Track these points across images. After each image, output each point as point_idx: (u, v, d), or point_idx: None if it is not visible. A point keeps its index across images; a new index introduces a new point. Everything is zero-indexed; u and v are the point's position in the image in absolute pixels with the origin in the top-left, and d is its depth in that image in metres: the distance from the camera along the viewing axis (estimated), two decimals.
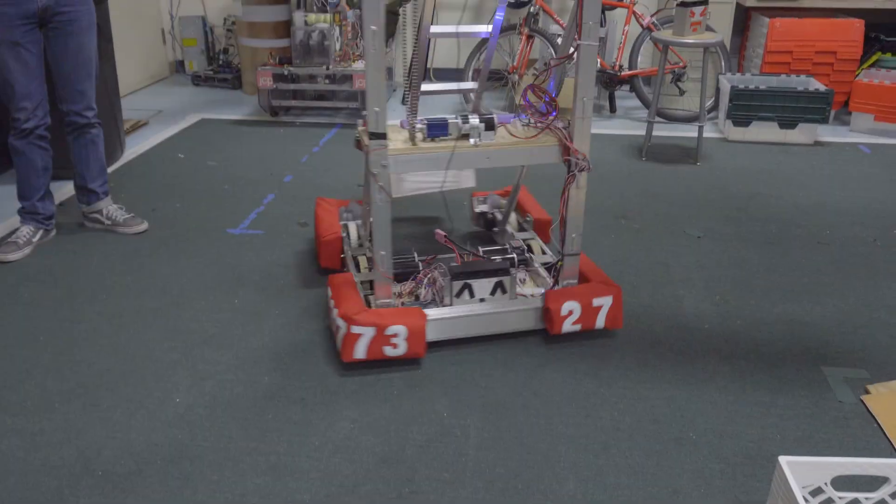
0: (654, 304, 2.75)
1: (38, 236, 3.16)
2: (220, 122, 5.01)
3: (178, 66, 6.32)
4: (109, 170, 3.95)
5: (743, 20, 5.35)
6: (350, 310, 2.24)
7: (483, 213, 3.23)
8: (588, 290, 2.44)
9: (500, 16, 2.51)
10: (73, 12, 2.98)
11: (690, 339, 2.51)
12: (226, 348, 2.43)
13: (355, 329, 2.20)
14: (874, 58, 5.08)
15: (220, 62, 6.09)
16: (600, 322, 2.44)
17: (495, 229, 3.18)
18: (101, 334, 2.51)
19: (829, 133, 4.80)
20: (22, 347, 2.43)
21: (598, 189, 3.88)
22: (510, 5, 5.09)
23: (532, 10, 4.85)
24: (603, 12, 5.25)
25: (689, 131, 4.70)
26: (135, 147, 4.47)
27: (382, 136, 2.18)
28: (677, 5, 4.11)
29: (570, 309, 2.38)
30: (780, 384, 2.26)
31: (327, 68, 4.77)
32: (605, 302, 2.42)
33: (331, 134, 4.75)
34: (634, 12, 4.96)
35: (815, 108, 4.53)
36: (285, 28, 5.36)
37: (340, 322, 2.25)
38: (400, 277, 2.56)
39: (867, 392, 2.22)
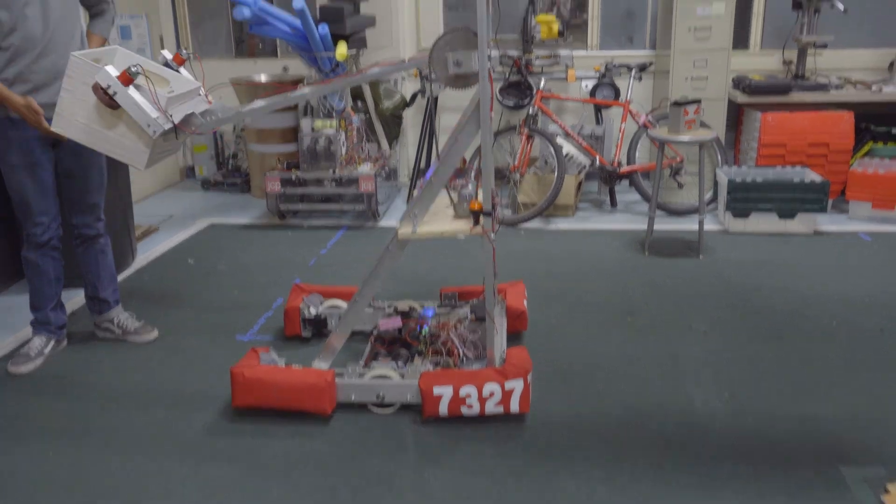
0: (665, 401, 2.74)
1: (49, 347, 3.19)
2: (230, 226, 5.12)
3: (189, 172, 6.49)
4: (121, 277, 4.02)
5: (736, 115, 5.51)
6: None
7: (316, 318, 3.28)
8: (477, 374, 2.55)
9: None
10: None
11: (703, 439, 2.49)
12: (235, 461, 2.41)
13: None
14: (866, 147, 5.21)
15: (230, 167, 6.26)
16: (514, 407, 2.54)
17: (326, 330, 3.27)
18: (111, 449, 2.50)
19: (828, 222, 4.87)
20: (30, 464, 2.42)
21: (602, 285, 3.91)
22: (510, 108, 5.27)
23: (531, 111, 5.02)
24: (599, 111, 5.44)
25: (690, 224, 4.78)
26: (146, 253, 4.55)
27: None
28: (671, 105, 4.25)
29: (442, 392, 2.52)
30: (798, 487, 2.22)
31: (334, 172, 4.91)
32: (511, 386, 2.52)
33: (338, 236, 4.84)
34: (630, 111, 5.12)
35: (812, 198, 4.61)
36: (293, 133, 5.54)
37: None
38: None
39: (887, 492, 2.19)
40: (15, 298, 3.85)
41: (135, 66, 2.34)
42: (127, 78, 2.32)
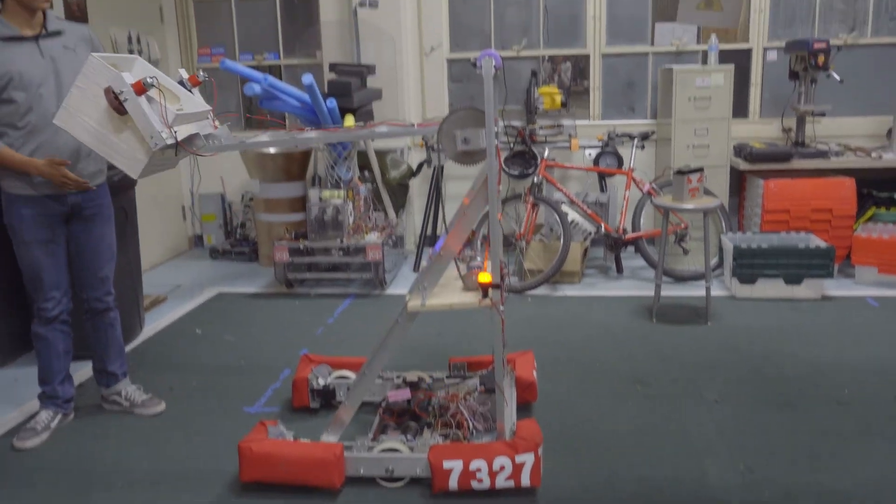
0: (678, 474, 2.69)
1: (56, 421, 3.17)
2: (237, 295, 5.14)
3: (197, 241, 6.55)
4: (128, 348, 4.01)
5: (738, 181, 5.58)
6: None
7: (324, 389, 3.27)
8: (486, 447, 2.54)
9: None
10: (98, 205, 3.16)
11: None
12: None
13: None
14: (869, 213, 5.25)
15: (238, 236, 6.32)
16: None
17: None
18: None
19: (835, 287, 4.87)
20: None
21: (611, 353, 3.90)
22: (515, 177, 5.35)
23: (536, 179, 5.09)
24: (603, 179, 5.51)
25: (697, 289, 4.78)
26: (154, 323, 4.56)
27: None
28: (674, 173, 4.32)
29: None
30: None
31: (341, 241, 4.95)
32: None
33: (345, 305, 4.85)
34: (633, 178, 5.19)
35: (818, 263, 4.63)
36: (300, 203, 5.62)
37: None
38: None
39: None
40: (21, 370, 3.85)
41: (151, 77, 2.37)
42: (140, 88, 2.34)
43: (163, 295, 5.11)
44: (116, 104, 2.36)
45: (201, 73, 2.77)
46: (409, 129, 2.70)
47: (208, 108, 2.75)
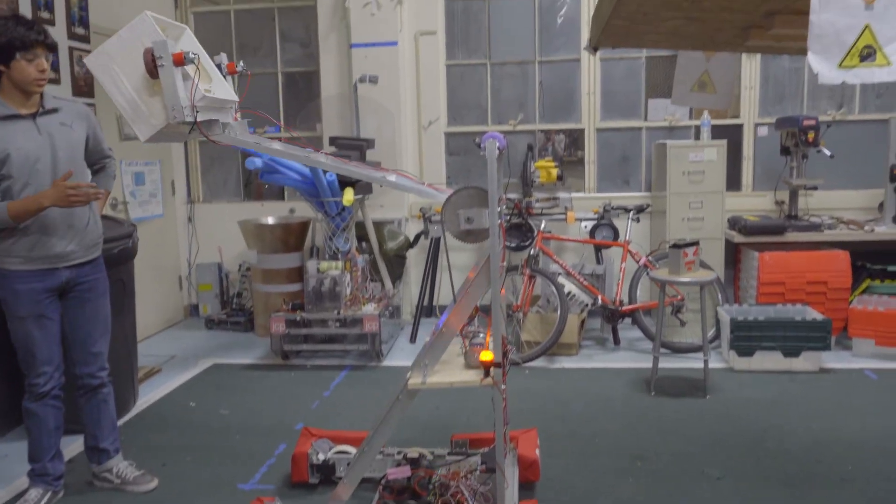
0: None
1: (46, 499, 3.10)
2: (232, 366, 5.10)
3: (193, 310, 6.53)
4: (121, 421, 3.95)
5: (733, 254, 5.62)
6: None
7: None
8: None
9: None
10: (93, 280, 3.16)
11: None
12: None
13: None
14: (864, 285, 5.28)
15: (234, 306, 6.31)
16: None
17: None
18: None
19: (833, 359, 4.85)
20: None
21: (610, 428, 3.85)
22: (512, 249, 5.38)
23: (532, 251, 5.13)
24: (600, 251, 5.55)
25: (695, 361, 4.76)
26: (147, 396, 4.50)
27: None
28: (670, 247, 4.36)
29: None
30: None
31: (338, 313, 4.94)
32: None
33: (341, 377, 4.81)
34: (629, 251, 5.24)
35: (815, 336, 4.63)
36: (298, 273, 5.63)
37: None
38: None
39: None
40: (11, 446, 3.77)
41: (193, 54, 2.35)
42: (180, 59, 2.32)
43: (157, 366, 5.06)
44: (151, 67, 2.35)
45: (241, 64, 2.74)
46: (419, 184, 2.71)
47: (235, 99, 2.71)
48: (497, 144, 2.43)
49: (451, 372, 2.62)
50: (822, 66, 1.76)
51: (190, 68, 2.38)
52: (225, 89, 2.66)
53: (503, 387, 2.51)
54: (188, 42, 2.61)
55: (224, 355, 5.36)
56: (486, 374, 2.52)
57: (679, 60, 3.37)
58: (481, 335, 2.66)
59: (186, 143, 6.41)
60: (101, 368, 3.23)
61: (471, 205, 2.47)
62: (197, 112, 2.41)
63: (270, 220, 5.98)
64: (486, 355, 2.50)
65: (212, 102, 2.50)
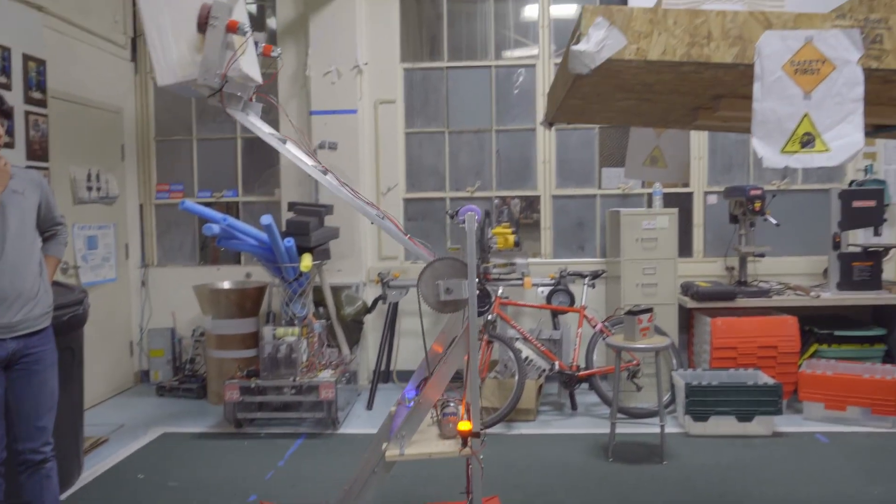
0: None
1: None
2: (183, 435, 4.96)
3: (143, 377, 6.37)
4: (65, 495, 3.80)
5: (687, 319, 5.73)
6: None
7: None
8: None
9: None
10: (41, 351, 3.06)
11: None
12: None
13: None
14: (812, 349, 5.42)
15: (187, 372, 6.17)
16: None
17: None
18: None
19: (785, 423, 4.93)
20: None
21: (569, 496, 3.83)
22: None
23: (490, 317, 5.16)
24: (556, 316, 5.60)
25: (651, 427, 4.79)
26: (93, 468, 4.34)
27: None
28: (625, 314, 4.43)
29: None
30: None
31: (294, 380, 4.87)
32: None
33: (296, 445, 4.71)
34: (585, 316, 5.30)
35: (767, 400, 4.71)
36: (253, 339, 5.55)
37: None
38: None
39: None
40: None
41: (248, 28, 2.41)
42: (234, 27, 2.35)
43: (104, 436, 4.89)
44: (203, 22, 2.36)
45: (278, 50, 2.77)
46: (403, 236, 2.74)
47: (259, 81, 2.74)
48: (476, 217, 2.49)
49: (428, 443, 2.61)
50: (766, 150, 1.86)
51: (238, 39, 2.42)
52: (254, 68, 2.70)
53: (481, 457, 2.51)
54: (241, 12, 2.65)
55: (175, 424, 5.21)
56: (465, 443, 2.52)
57: (631, 136, 3.50)
58: (452, 404, 2.67)
59: (142, 206, 6.36)
60: (46, 443, 3.11)
61: (449, 275, 2.50)
62: (226, 82, 2.44)
63: (226, 285, 5.92)
64: (465, 425, 2.51)
65: (241, 77, 2.54)
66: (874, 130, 2.76)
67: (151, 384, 6.20)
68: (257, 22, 6.45)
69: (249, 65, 2.68)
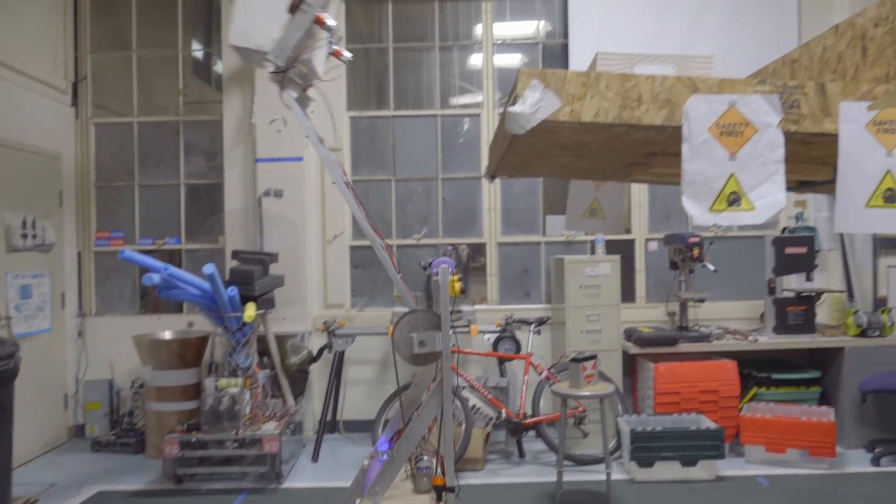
0: None
1: None
2: (120, 493, 4.77)
3: (78, 431, 6.13)
4: None
5: (631, 364, 5.81)
6: None
7: None
8: None
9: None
10: None
11: None
12: None
13: None
14: (752, 393, 5.53)
15: (124, 426, 5.96)
16: None
17: None
18: None
19: (727, 467, 5.00)
20: None
21: None
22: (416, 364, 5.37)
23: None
24: (503, 363, 5.62)
25: (598, 474, 4.81)
26: None
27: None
28: (570, 361, 4.46)
29: None
30: None
31: (237, 433, 4.76)
32: None
33: (238, 501, 4.58)
34: (532, 363, 5.33)
35: (710, 444, 4.78)
36: (195, 390, 5.41)
37: None
38: None
39: None
40: None
41: (335, 25, 2.58)
42: (321, 21, 2.51)
43: (34, 496, 4.67)
44: (295, 4, 2.51)
45: (346, 54, 2.88)
46: (394, 272, 2.75)
47: (320, 77, 2.83)
48: (449, 270, 2.50)
49: (403, 498, 2.58)
50: (695, 209, 1.93)
51: (319, 33, 2.56)
52: (320, 63, 2.80)
53: None
54: (330, 11, 2.77)
55: (111, 481, 5.01)
56: (439, 497, 2.49)
57: (571, 189, 3.58)
58: (425, 457, 2.65)
59: (80, 254, 6.20)
60: None
61: (422, 327, 2.50)
62: (292, 67, 2.58)
63: (167, 335, 5.78)
64: (440, 480, 2.49)
65: (307, 66, 2.66)
66: (799, 185, 2.88)
67: (87, 439, 5.97)
68: (204, 69, 6.45)
69: (317, 59, 2.80)
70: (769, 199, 1.91)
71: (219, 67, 6.27)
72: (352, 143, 6.23)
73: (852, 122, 1.90)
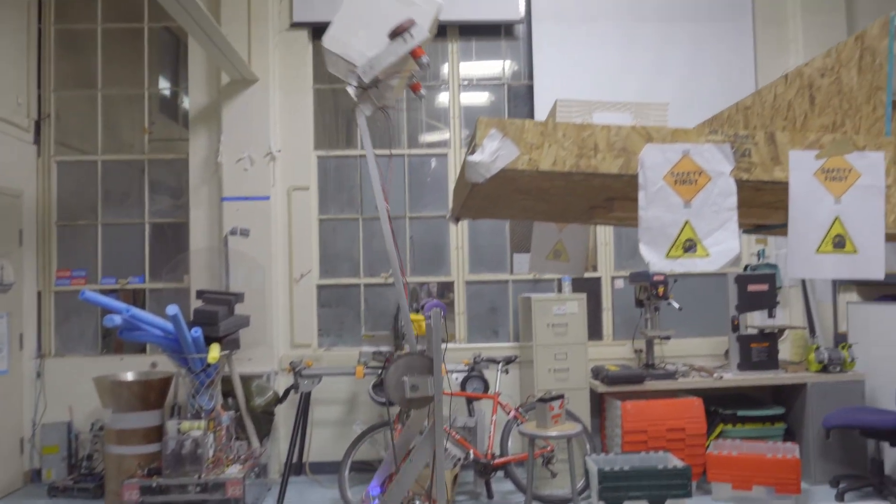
0: None
1: None
2: None
3: (34, 476, 5.95)
4: None
5: (599, 402, 5.82)
6: None
7: None
8: None
9: None
10: None
11: None
12: None
13: None
14: (718, 430, 5.57)
15: (83, 470, 5.80)
16: None
17: None
18: None
19: None
20: None
21: None
22: (383, 404, 5.33)
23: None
24: (471, 403, 5.59)
25: None
26: None
27: None
28: (537, 401, 4.46)
29: None
30: None
31: (199, 477, 4.65)
32: None
33: None
34: (500, 403, 5.31)
35: (677, 483, 4.77)
36: (156, 433, 5.28)
37: None
38: None
39: None
40: None
41: (428, 62, 2.68)
42: (417, 54, 2.59)
43: None
44: (398, 32, 2.58)
45: (423, 92, 3.01)
46: (406, 306, 2.78)
47: (393, 105, 2.94)
48: (441, 313, 2.52)
49: None
50: (652, 255, 1.96)
51: (413, 67, 2.65)
52: (399, 91, 2.93)
53: None
54: (424, 47, 2.82)
55: None
56: None
57: (534, 231, 3.61)
58: (418, 501, 2.62)
59: (40, 293, 6.09)
60: None
61: (414, 372, 2.49)
62: (373, 86, 2.69)
63: (129, 376, 5.66)
64: None
65: (387, 90, 2.77)
66: (755, 228, 2.94)
67: (43, 484, 5.79)
68: (170, 107, 6.44)
69: (398, 86, 2.91)
70: (723, 246, 1.94)
71: (186, 104, 6.26)
72: (319, 181, 6.23)
73: (801, 170, 1.96)
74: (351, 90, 2.80)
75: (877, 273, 1.98)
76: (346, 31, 2.73)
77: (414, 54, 2.67)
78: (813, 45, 6.07)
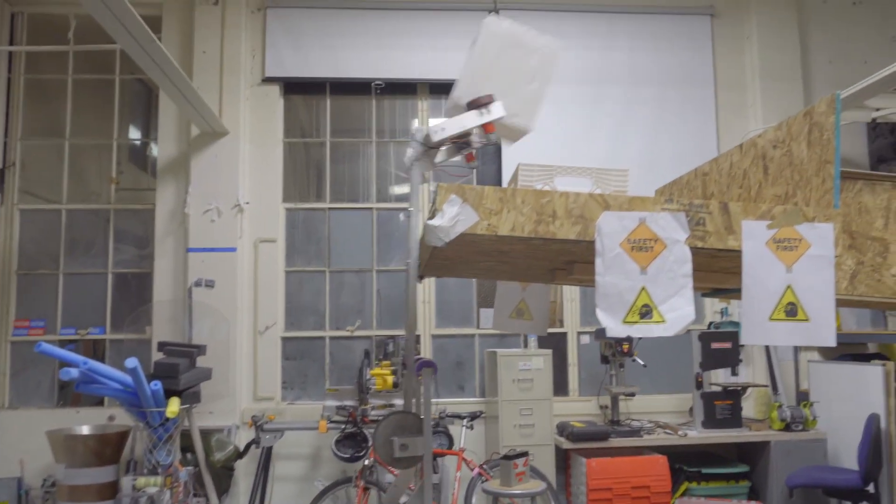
0: None
1: None
2: None
3: None
4: None
5: (564, 458, 5.78)
6: None
7: None
8: None
9: None
10: None
11: None
12: None
13: None
14: (683, 488, 5.55)
15: None
16: None
17: None
18: None
19: None
20: None
21: None
22: (345, 460, 5.25)
23: (367, 462, 5.03)
24: (435, 459, 5.52)
25: None
26: None
27: None
28: (501, 458, 4.43)
29: None
30: None
31: None
32: None
33: None
34: (464, 459, 5.25)
35: None
36: (111, 490, 5.13)
37: None
38: None
39: None
40: None
41: (485, 142, 2.83)
42: (488, 129, 2.78)
43: None
44: (477, 104, 2.70)
45: (476, 163, 3.15)
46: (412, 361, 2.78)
47: (440, 167, 3.04)
48: (433, 372, 2.50)
49: None
50: (609, 321, 1.98)
51: (475, 142, 2.81)
52: (454, 157, 3.03)
53: None
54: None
55: None
56: None
57: (498, 289, 3.64)
58: None
59: None
60: None
61: (403, 431, 2.47)
62: (441, 147, 2.84)
63: (85, 430, 5.50)
64: None
65: (444, 153, 2.93)
66: (713, 292, 3.00)
67: None
68: (139, 156, 6.42)
69: (456, 154, 3.03)
70: (679, 313, 1.98)
71: (155, 153, 6.25)
72: (286, 234, 6.23)
73: (754, 239, 2.01)
74: (414, 147, 2.88)
75: (828, 341, 2.03)
76: (470, 86, 2.82)
77: (487, 129, 2.77)
78: (771, 110, 6.27)
